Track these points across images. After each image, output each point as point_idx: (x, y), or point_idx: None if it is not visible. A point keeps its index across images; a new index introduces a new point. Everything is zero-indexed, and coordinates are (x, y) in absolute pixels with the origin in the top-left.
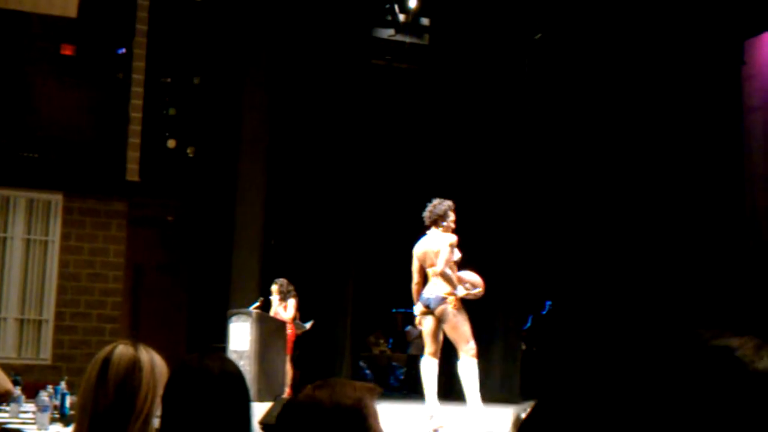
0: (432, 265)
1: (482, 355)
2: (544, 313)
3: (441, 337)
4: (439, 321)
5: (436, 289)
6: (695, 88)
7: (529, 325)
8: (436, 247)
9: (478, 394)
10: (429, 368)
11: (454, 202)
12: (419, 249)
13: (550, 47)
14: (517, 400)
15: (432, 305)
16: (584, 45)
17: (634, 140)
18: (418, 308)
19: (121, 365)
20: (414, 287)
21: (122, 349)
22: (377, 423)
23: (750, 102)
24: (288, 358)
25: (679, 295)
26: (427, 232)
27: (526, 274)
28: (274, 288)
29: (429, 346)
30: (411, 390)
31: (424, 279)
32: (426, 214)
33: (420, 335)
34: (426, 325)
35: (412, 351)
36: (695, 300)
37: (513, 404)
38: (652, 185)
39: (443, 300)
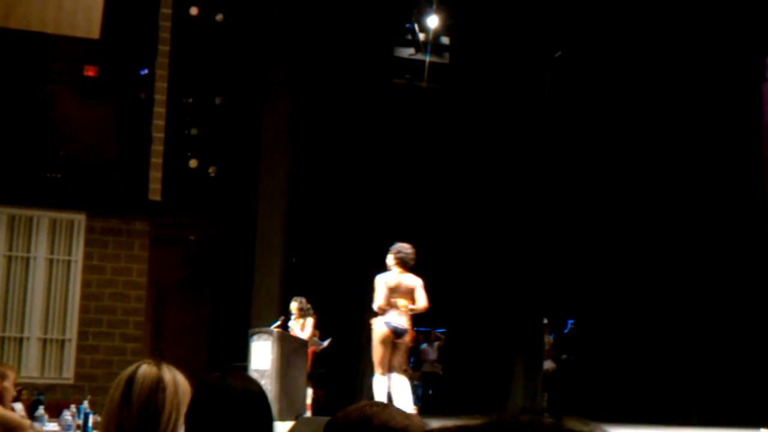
0: (408, 299)
1: (504, 376)
2: (565, 332)
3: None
4: (396, 347)
5: (403, 320)
6: (716, 105)
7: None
8: (412, 284)
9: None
10: (383, 385)
11: (475, 221)
12: (392, 280)
13: (571, 65)
14: None
15: (401, 332)
16: (605, 62)
17: (655, 157)
18: (381, 326)
19: (145, 385)
20: (378, 309)
21: (145, 369)
22: None
23: None
24: (307, 377)
25: (701, 315)
26: (397, 269)
27: (546, 292)
28: (294, 305)
29: (384, 368)
30: (431, 410)
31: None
32: (411, 260)
33: (436, 357)
34: (388, 343)
35: (426, 369)
36: (717, 316)
37: None
38: (672, 201)
39: (406, 332)
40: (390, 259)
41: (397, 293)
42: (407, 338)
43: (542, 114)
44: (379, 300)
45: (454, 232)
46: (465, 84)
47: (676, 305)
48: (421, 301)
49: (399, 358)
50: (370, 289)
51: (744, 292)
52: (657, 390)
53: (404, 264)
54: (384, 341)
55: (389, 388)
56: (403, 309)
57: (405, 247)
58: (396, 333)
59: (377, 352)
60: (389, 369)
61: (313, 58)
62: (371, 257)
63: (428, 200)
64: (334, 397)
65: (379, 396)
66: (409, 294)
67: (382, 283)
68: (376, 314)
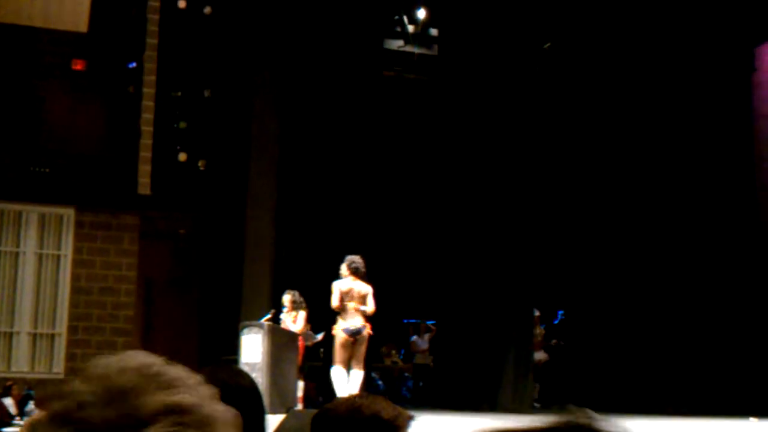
0: (359, 302)
1: (495, 367)
2: (556, 322)
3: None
4: (356, 343)
5: (358, 320)
6: (706, 96)
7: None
8: (364, 291)
9: None
10: (342, 375)
11: (466, 213)
12: (345, 287)
13: (560, 56)
14: (531, 409)
15: (357, 332)
16: (594, 53)
17: (645, 149)
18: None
19: None
20: (334, 308)
21: None
22: None
23: (761, 109)
24: (299, 370)
25: (691, 302)
26: (349, 277)
27: (537, 283)
28: (287, 298)
29: (344, 361)
30: (422, 401)
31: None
32: (362, 269)
33: (427, 348)
34: (348, 346)
35: (417, 360)
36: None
37: (526, 414)
38: (663, 193)
39: (363, 329)
40: (344, 269)
41: (349, 297)
42: (364, 333)
43: (532, 106)
44: (334, 302)
45: (445, 224)
46: (454, 75)
47: (666, 296)
48: (370, 305)
49: (358, 353)
50: (365, 278)
51: (734, 282)
52: (647, 380)
53: (356, 272)
54: (343, 345)
55: (347, 379)
56: (354, 310)
57: (356, 259)
58: (352, 334)
59: (338, 354)
60: (349, 365)
61: (302, 50)
62: (361, 250)
63: (419, 191)
64: (326, 389)
65: (337, 384)
66: (361, 299)
67: (337, 288)
68: (336, 315)
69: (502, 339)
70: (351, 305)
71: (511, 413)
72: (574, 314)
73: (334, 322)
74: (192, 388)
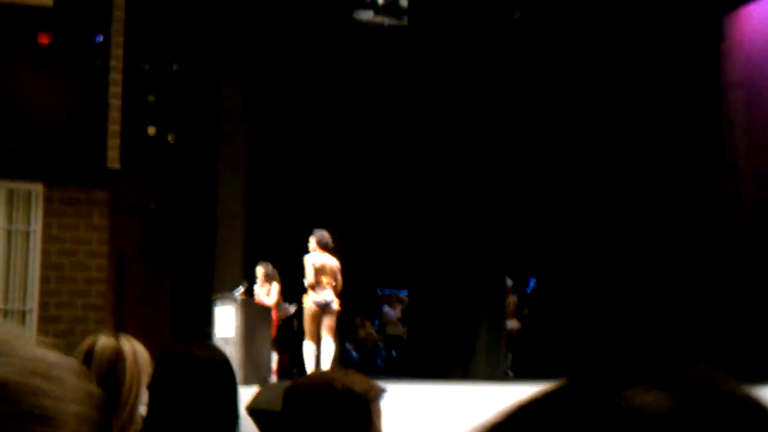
0: (331, 277)
1: (468, 336)
2: (528, 291)
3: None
4: (325, 314)
5: (329, 293)
6: (674, 65)
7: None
8: (335, 265)
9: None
10: (311, 349)
11: (437, 183)
12: (318, 261)
13: (529, 26)
14: (504, 377)
15: (326, 304)
16: (563, 24)
17: (614, 119)
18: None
19: (104, 357)
20: (308, 285)
21: (104, 341)
22: (379, 418)
23: (730, 78)
24: (272, 342)
25: (660, 278)
26: (318, 251)
27: (509, 252)
28: (260, 271)
29: (314, 337)
30: (396, 371)
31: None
32: (330, 243)
33: (399, 318)
34: (317, 317)
35: (389, 331)
36: (676, 286)
37: (499, 382)
38: (634, 162)
39: (333, 302)
40: (312, 244)
41: (322, 272)
42: (333, 307)
43: (502, 77)
44: (309, 278)
45: (416, 194)
46: (424, 46)
47: (638, 265)
48: (340, 281)
49: (327, 323)
50: (333, 251)
51: (704, 252)
52: (620, 349)
53: (326, 247)
54: (313, 317)
55: (317, 351)
56: (327, 284)
57: (324, 234)
58: (322, 307)
59: (307, 325)
60: (319, 336)
61: (271, 23)
62: (333, 222)
63: (390, 162)
64: (300, 361)
65: (308, 357)
66: (332, 273)
67: (310, 263)
68: (306, 289)
69: (475, 308)
70: (324, 280)
71: (484, 381)
72: (547, 283)
73: (304, 294)
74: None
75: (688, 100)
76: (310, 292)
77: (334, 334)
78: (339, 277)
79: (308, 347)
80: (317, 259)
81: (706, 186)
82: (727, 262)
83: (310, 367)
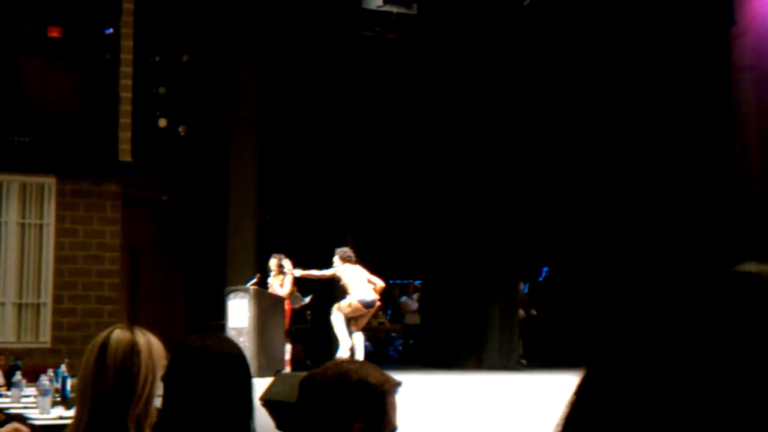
0: (370, 282)
1: (480, 325)
2: (540, 279)
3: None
4: (368, 312)
5: (371, 293)
6: (684, 49)
7: (525, 291)
8: (363, 273)
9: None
10: (359, 339)
11: (447, 173)
12: (350, 270)
13: (540, 13)
14: (517, 367)
15: (370, 305)
16: (573, 10)
17: (624, 104)
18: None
19: (119, 350)
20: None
21: (119, 334)
22: (394, 411)
23: (740, 61)
24: (286, 333)
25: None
26: (346, 264)
27: (521, 241)
28: (273, 262)
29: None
30: (410, 361)
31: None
32: (351, 255)
33: (417, 308)
34: (363, 314)
35: (408, 321)
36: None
37: (512, 371)
38: (644, 148)
39: (376, 302)
40: (337, 260)
41: (356, 277)
42: (373, 310)
43: (512, 63)
44: (350, 285)
45: (428, 184)
46: (433, 35)
47: (647, 251)
48: (379, 281)
49: (362, 322)
50: (344, 243)
51: (713, 235)
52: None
53: (350, 260)
54: (355, 311)
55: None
56: (367, 281)
57: (347, 249)
58: (366, 305)
59: (348, 320)
60: (352, 330)
61: (280, 12)
62: (346, 211)
63: (401, 152)
64: (314, 352)
65: (359, 349)
66: (366, 278)
67: (342, 273)
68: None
69: (487, 297)
70: (365, 282)
71: (497, 370)
72: (559, 272)
73: (339, 296)
74: None
75: (699, 83)
76: (355, 292)
77: (362, 328)
78: (374, 278)
79: (358, 338)
80: (348, 268)
81: (715, 170)
82: (738, 242)
83: (360, 356)
